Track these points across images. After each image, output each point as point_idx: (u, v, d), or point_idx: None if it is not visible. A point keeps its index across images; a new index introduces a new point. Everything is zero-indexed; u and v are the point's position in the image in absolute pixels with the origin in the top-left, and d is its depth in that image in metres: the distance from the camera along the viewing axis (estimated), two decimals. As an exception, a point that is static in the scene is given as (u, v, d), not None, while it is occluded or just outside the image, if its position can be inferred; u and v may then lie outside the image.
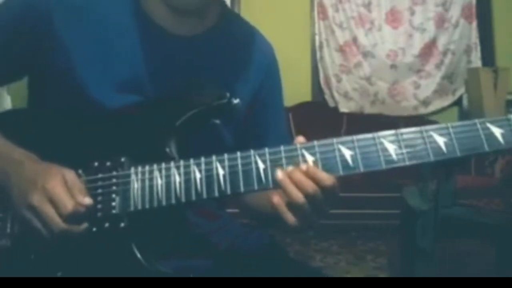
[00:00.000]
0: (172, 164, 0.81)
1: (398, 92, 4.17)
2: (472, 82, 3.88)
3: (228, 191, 0.77)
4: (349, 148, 0.76)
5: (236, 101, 0.85)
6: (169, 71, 0.91)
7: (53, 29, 0.88)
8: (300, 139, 0.78)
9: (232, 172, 0.78)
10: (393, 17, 4.18)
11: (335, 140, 0.77)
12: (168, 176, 0.80)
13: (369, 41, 4.16)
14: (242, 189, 0.77)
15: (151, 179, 0.81)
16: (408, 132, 0.75)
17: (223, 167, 0.78)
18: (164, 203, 0.80)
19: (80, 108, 0.87)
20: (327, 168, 0.75)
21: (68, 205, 0.77)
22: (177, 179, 0.80)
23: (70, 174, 0.80)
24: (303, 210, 0.75)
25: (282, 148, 0.78)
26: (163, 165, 0.81)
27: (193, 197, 0.78)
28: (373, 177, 2.81)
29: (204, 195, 0.78)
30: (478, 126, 0.74)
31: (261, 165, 0.77)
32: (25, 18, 0.89)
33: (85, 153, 0.84)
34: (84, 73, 0.88)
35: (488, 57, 4.14)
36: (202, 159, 0.80)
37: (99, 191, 0.82)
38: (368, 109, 4.18)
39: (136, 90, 0.89)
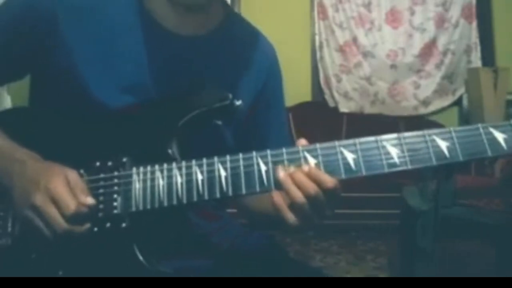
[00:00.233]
0: (174, 165, 0.81)
1: (398, 92, 4.17)
2: (472, 82, 3.88)
3: (230, 192, 0.78)
4: (352, 152, 0.76)
5: (238, 102, 0.85)
6: (172, 71, 0.91)
7: (55, 29, 0.88)
8: (302, 141, 0.78)
9: (234, 174, 0.78)
10: (393, 17, 4.18)
11: (337, 143, 0.77)
12: (170, 177, 0.80)
13: (369, 41, 4.16)
14: (244, 191, 0.77)
15: (152, 180, 0.81)
16: (410, 136, 0.76)
17: (225, 169, 0.78)
18: (165, 203, 0.80)
19: (82, 108, 0.87)
20: (329, 171, 0.76)
21: (71, 205, 0.77)
22: (179, 180, 0.80)
23: (72, 174, 0.80)
24: (304, 210, 0.75)
25: (284, 150, 0.78)
26: (165, 165, 0.81)
27: (195, 198, 0.78)
28: (373, 177, 2.81)
29: (206, 197, 0.78)
30: (481, 130, 0.74)
31: (263, 167, 0.77)
32: (27, 18, 0.89)
33: (87, 152, 0.85)
34: (86, 73, 0.88)
35: (488, 57, 4.14)
36: (204, 160, 0.80)
37: (101, 191, 0.82)
38: (368, 109, 4.18)
39: (139, 90, 0.89)
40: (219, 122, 0.86)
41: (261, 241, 1.02)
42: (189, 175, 0.79)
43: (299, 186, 0.74)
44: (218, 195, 0.78)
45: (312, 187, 0.74)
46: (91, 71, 0.88)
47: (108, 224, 0.81)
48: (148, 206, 0.80)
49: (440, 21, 4.14)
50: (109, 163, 0.83)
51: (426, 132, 0.75)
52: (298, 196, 0.74)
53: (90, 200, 0.79)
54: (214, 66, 0.95)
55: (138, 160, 0.83)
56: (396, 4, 4.17)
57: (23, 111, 0.99)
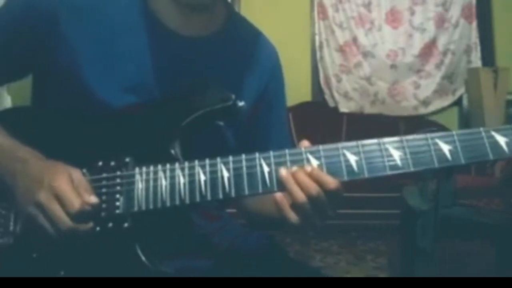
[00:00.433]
0: (176, 165, 0.81)
1: (398, 92, 4.17)
2: (472, 82, 3.88)
3: (233, 193, 0.78)
4: (354, 154, 0.76)
5: (241, 103, 0.85)
6: (175, 72, 0.91)
7: (57, 29, 0.88)
8: (305, 143, 0.79)
9: (237, 175, 0.78)
10: (393, 17, 4.18)
11: (340, 145, 0.77)
12: (172, 177, 0.80)
13: (369, 41, 4.16)
14: (246, 192, 0.77)
15: (155, 180, 0.81)
16: (413, 139, 0.76)
17: (228, 170, 0.78)
18: (168, 204, 0.80)
19: (85, 108, 0.87)
20: (331, 173, 0.76)
21: (75, 203, 0.78)
22: (182, 180, 0.80)
23: (76, 173, 0.81)
24: (306, 210, 0.75)
25: (287, 151, 0.78)
26: (168, 166, 0.81)
27: (197, 199, 0.79)
28: (374, 178, 2.81)
29: (209, 197, 0.78)
30: (483, 134, 0.74)
31: (266, 168, 0.77)
32: (27, 18, 0.89)
33: (90, 152, 0.85)
34: (90, 73, 0.88)
35: (488, 57, 4.14)
36: (207, 161, 0.80)
37: (103, 190, 0.82)
38: (368, 109, 4.18)
39: (142, 90, 0.89)
40: (221, 123, 0.87)
41: (261, 241, 1.02)
42: (191, 175, 0.80)
43: (301, 186, 0.75)
44: (220, 196, 0.78)
45: (314, 188, 0.74)
46: (94, 70, 0.88)
47: (110, 224, 0.81)
48: (151, 206, 0.81)
49: (440, 21, 4.14)
50: (112, 163, 0.83)
51: (428, 135, 0.76)
52: (300, 196, 0.75)
53: (93, 199, 0.79)
54: (217, 66, 0.95)
55: (140, 160, 0.83)
56: (396, 4, 4.18)
57: (25, 110, 0.99)
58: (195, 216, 0.95)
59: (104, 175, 0.83)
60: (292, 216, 0.76)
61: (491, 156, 0.74)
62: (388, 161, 0.75)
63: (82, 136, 0.87)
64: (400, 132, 3.73)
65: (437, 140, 0.75)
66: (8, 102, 2.89)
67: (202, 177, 0.79)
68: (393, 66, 4.15)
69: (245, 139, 0.97)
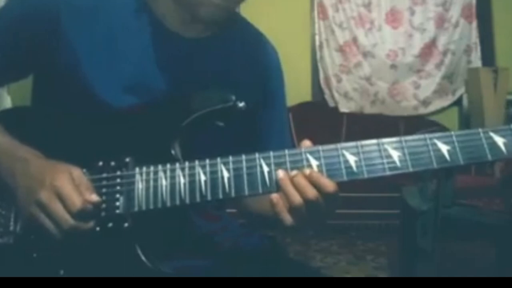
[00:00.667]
0: (177, 165, 0.81)
1: (398, 92, 4.17)
2: (472, 82, 3.88)
3: (233, 194, 0.78)
4: (353, 154, 0.76)
5: (241, 104, 0.85)
6: (176, 72, 0.91)
7: (58, 29, 0.88)
8: (307, 143, 0.78)
9: (237, 175, 0.78)
10: (393, 17, 4.18)
11: (339, 145, 0.77)
12: (172, 177, 0.80)
13: (369, 41, 4.16)
14: (246, 192, 0.78)
15: (155, 180, 0.81)
16: (412, 139, 0.76)
17: (228, 170, 0.79)
18: (168, 204, 0.80)
19: (86, 108, 0.87)
20: (331, 174, 0.76)
21: (77, 202, 0.78)
22: (182, 180, 0.80)
23: (76, 171, 0.81)
24: (301, 213, 0.75)
25: (286, 151, 0.78)
26: (168, 166, 0.81)
27: (198, 199, 0.79)
28: (374, 178, 2.81)
29: (209, 197, 0.78)
30: (481, 135, 0.74)
31: (266, 169, 0.78)
32: (29, 18, 0.89)
33: (90, 152, 0.85)
34: (90, 73, 0.88)
35: (488, 57, 4.14)
36: (207, 161, 0.80)
37: (103, 190, 0.82)
38: (368, 109, 4.18)
39: (143, 90, 0.89)
40: (221, 124, 0.87)
41: (262, 241, 1.03)
42: (192, 175, 0.80)
43: (298, 190, 0.75)
44: (220, 196, 0.78)
45: (311, 192, 0.74)
46: (95, 71, 0.88)
47: (110, 224, 0.81)
48: (151, 206, 0.81)
49: (440, 21, 4.14)
50: (112, 163, 0.84)
51: (427, 135, 0.76)
52: (297, 199, 0.74)
53: (95, 197, 0.80)
54: (218, 67, 0.95)
55: (141, 160, 0.83)
56: (396, 4, 4.17)
57: (25, 110, 0.99)
58: (195, 216, 0.96)
59: (104, 175, 0.83)
60: (287, 219, 0.76)
61: (489, 157, 0.74)
62: (387, 162, 0.76)
63: (82, 136, 0.87)
64: (400, 132, 3.73)
65: (436, 141, 0.75)
66: (8, 102, 2.89)
67: (202, 177, 0.79)
68: (393, 66, 4.15)
69: (246, 140, 0.97)
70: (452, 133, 0.75)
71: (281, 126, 1.07)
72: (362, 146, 0.77)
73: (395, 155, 0.76)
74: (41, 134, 0.89)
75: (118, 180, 0.82)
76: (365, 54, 4.16)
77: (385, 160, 0.76)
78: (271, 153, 0.78)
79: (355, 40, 4.17)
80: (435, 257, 2.10)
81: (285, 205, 0.76)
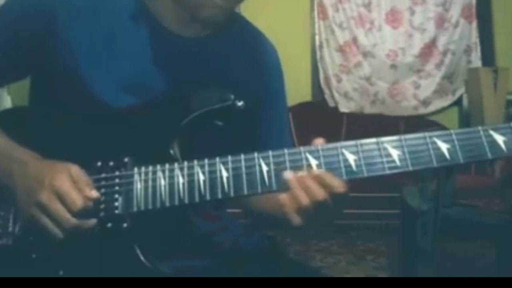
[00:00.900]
0: (175, 165, 0.81)
1: (398, 92, 4.16)
2: (472, 82, 3.88)
3: (232, 193, 0.78)
4: (353, 153, 0.76)
5: (240, 103, 0.85)
6: (174, 72, 0.91)
7: (56, 29, 0.88)
8: (319, 141, 0.78)
9: (236, 175, 0.78)
10: (393, 17, 4.18)
11: (339, 144, 0.77)
12: (171, 177, 0.80)
13: (369, 41, 4.16)
14: (245, 191, 0.77)
15: (154, 180, 0.81)
16: (412, 138, 0.76)
17: (227, 170, 0.78)
18: (167, 204, 0.80)
19: (84, 108, 0.87)
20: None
21: (78, 200, 0.78)
22: (181, 180, 0.80)
23: (75, 169, 0.81)
24: (310, 213, 0.75)
25: (286, 151, 0.78)
26: (167, 166, 0.81)
27: (197, 199, 0.79)
28: (373, 177, 2.81)
29: (208, 197, 0.78)
30: (481, 133, 0.74)
31: (265, 168, 0.77)
32: (27, 19, 0.89)
33: (89, 152, 0.85)
34: (88, 73, 0.88)
35: (488, 57, 4.13)
36: (206, 161, 0.80)
37: (102, 191, 0.82)
38: (368, 109, 4.17)
39: (141, 90, 0.89)
40: (220, 123, 0.87)
41: (262, 241, 1.02)
42: (191, 175, 0.80)
43: (306, 191, 0.74)
44: (219, 195, 0.78)
45: (319, 193, 0.74)
46: (93, 71, 0.88)
47: (109, 224, 0.81)
48: (150, 206, 0.81)
49: (440, 21, 4.14)
50: (111, 163, 0.84)
51: (427, 134, 0.76)
52: (305, 200, 0.74)
53: (95, 193, 0.80)
54: (216, 67, 0.95)
55: (139, 160, 0.83)
56: (396, 4, 4.17)
57: (23, 110, 0.99)
58: (195, 216, 0.95)
59: (103, 175, 0.83)
60: (296, 220, 0.76)
61: (489, 155, 0.74)
62: (387, 161, 0.75)
63: (81, 136, 0.87)
64: (400, 132, 3.70)
65: (435, 139, 0.75)
66: (8, 102, 2.89)
67: (201, 177, 0.79)
68: (393, 66, 4.15)
69: (245, 139, 0.97)
70: (452, 131, 0.75)
71: (281, 126, 1.06)
72: (361, 145, 0.76)
73: (395, 154, 0.75)
74: (39, 134, 0.89)
75: (117, 180, 0.82)
76: (365, 54, 4.16)
77: (384, 159, 0.75)
78: (270, 153, 0.78)
79: (355, 40, 4.17)
80: (435, 257, 2.10)
81: (293, 205, 0.75)
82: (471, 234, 2.32)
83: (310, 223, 0.76)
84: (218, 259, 0.94)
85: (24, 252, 0.84)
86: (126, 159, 0.83)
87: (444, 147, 0.74)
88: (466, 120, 3.99)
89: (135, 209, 0.81)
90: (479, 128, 0.75)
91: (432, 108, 4.17)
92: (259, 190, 0.77)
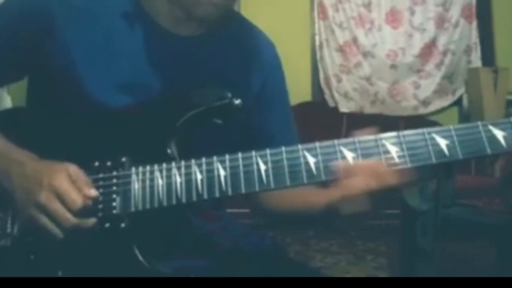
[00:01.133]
0: (173, 164, 0.81)
1: (398, 92, 4.16)
2: (472, 82, 3.87)
3: (229, 192, 0.78)
4: (351, 150, 0.76)
5: (237, 101, 0.84)
6: (171, 71, 0.91)
7: (54, 29, 0.88)
8: (361, 132, 0.77)
9: (233, 173, 0.78)
10: (393, 17, 4.18)
11: (336, 142, 0.77)
12: (169, 177, 0.80)
13: (369, 41, 4.16)
14: (243, 190, 0.77)
15: (152, 180, 0.81)
16: (410, 134, 0.75)
17: (224, 168, 0.78)
18: (165, 203, 0.80)
19: (81, 108, 0.87)
20: (329, 170, 0.75)
21: (77, 199, 0.78)
22: (178, 179, 0.80)
23: (73, 168, 0.81)
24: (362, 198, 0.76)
25: (283, 149, 0.77)
26: (164, 165, 0.81)
27: (194, 198, 0.78)
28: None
29: (205, 196, 0.78)
30: (481, 128, 0.73)
31: (262, 166, 0.77)
32: (24, 20, 0.89)
33: (86, 153, 0.84)
34: (85, 73, 0.88)
35: (488, 57, 4.13)
36: (203, 160, 0.80)
37: (100, 191, 0.82)
38: (368, 109, 4.17)
39: (138, 90, 0.89)
40: (219, 121, 0.86)
41: (262, 241, 1.02)
42: (188, 174, 0.79)
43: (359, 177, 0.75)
44: (217, 194, 0.78)
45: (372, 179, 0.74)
46: (89, 71, 0.88)
47: (107, 224, 0.81)
48: (148, 206, 0.80)
49: (440, 21, 4.14)
50: (108, 163, 0.83)
51: (425, 130, 0.75)
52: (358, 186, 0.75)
53: (94, 192, 0.80)
54: (213, 65, 0.95)
55: (137, 160, 0.83)
56: (396, 4, 4.17)
57: (21, 111, 0.99)
58: (194, 216, 0.95)
59: (101, 175, 0.83)
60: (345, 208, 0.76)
61: (488, 151, 0.73)
62: (386, 157, 0.75)
63: (78, 136, 0.86)
64: (400, 132, 3.72)
65: (434, 135, 0.74)
66: (8, 102, 2.89)
67: (199, 176, 0.79)
68: (393, 66, 4.15)
69: (248, 138, 0.96)
70: (451, 127, 0.74)
71: (285, 121, 1.05)
72: (359, 142, 0.76)
73: (393, 150, 0.75)
74: (37, 135, 0.89)
75: (115, 181, 0.82)
76: (365, 54, 4.16)
77: (383, 156, 0.75)
78: (268, 151, 0.78)
79: (355, 40, 4.17)
80: (435, 257, 2.10)
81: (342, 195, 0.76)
82: (471, 234, 2.32)
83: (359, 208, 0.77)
84: (218, 259, 0.93)
85: (23, 253, 0.83)
86: (123, 159, 0.83)
87: (443, 143, 0.74)
88: (466, 120, 3.98)
89: (133, 209, 0.81)
90: (479, 123, 0.74)
91: (432, 108, 4.17)
92: (257, 188, 0.77)
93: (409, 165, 0.74)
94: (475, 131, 0.74)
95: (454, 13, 4.13)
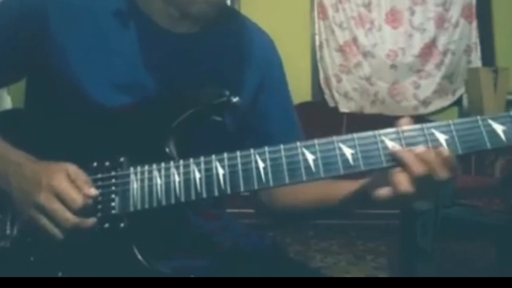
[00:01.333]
0: (171, 164, 0.81)
1: (398, 92, 4.16)
2: (472, 82, 3.87)
3: (228, 190, 0.77)
4: (350, 147, 0.75)
5: (235, 99, 0.84)
6: (168, 69, 0.91)
7: (49, 30, 0.88)
8: (405, 121, 0.76)
9: (232, 172, 0.78)
10: (393, 17, 4.18)
11: (335, 138, 0.76)
12: (167, 176, 0.80)
13: (369, 41, 4.16)
14: (242, 188, 0.77)
15: (150, 179, 0.81)
16: (409, 129, 0.75)
17: (223, 167, 0.78)
18: (163, 203, 0.79)
19: (78, 108, 0.87)
20: (327, 167, 0.75)
21: (77, 199, 0.78)
22: (177, 179, 0.79)
23: (72, 167, 0.81)
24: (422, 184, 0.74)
25: (281, 146, 0.77)
26: (163, 165, 0.81)
27: (193, 197, 0.78)
28: (371, 170, 2.80)
29: (204, 195, 0.78)
30: (480, 122, 0.73)
31: (261, 164, 0.77)
32: (21, 20, 0.89)
33: (85, 153, 0.84)
34: (82, 73, 0.88)
35: (488, 57, 4.13)
36: (202, 159, 0.79)
37: (99, 191, 0.82)
38: (368, 109, 4.17)
39: (135, 89, 0.89)
40: (219, 119, 0.86)
41: (262, 241, 1.02)
42: (187, 173, 0.79)
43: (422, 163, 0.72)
44: (216, 193, 0.78)
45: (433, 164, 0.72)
46: (86, 71, 0.88)
47: (106, 225, 0.81)
48: (146, 206, 0.80)
49: (440, 21, 4.14)
50: (107, 163, 0.83)
51: (424, 125, 0.74)
52: (419, 171, 0.72)
53: (94, 191, 0.79)
54: (210, 62, 0.94)
55: (135, 159, 0.83)
56: (396, 4, 4.17)
57: (18, 112, 0.99)
58: (194, 215, 0.95)
59: (99, 175, 0.83)
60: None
61: (488, 145, 0.72)
62: (385, 153, 0.74)
63: (76, 137, 0.86)
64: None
65: (433, 130, 0.74)
66: (8, 103, 2.89)
67: (197, 175, 0.79)
68: (393, 66, 4.15)
69: (249, 133, 0.96)
70: (450, 122, 0.74)
71: (286, 115, 1.03)
72: (358, 138, 0.76)
73: (392, 146, 0.74)
74: (35, 136, 0.89)
75: (113, 181, 0.82)
76: (365, 54, 4.16)
77: (382, 152, 0.74)
78: (266, 149, 0.77)
79: (355, 40, 4.16)
80: (435, 257, 2.10)
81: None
82: (471, 234, 2.32)
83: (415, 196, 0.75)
84: (218, 259, 0.93)
85: (22, 254, 0.83)
86: (121, 159, 0.83)
87: (442, 138, 0.73)
88: (466, 119, 3.98)
89: (131, 209, 0.81)
90: (478, 117, 0.73)
91: (432, 108, 4.17)
92: (256, 186, 0.77)
93: None
94: (474, 125, 0.73)
95: (454, 13, 4.13)
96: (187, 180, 0.79)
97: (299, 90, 4.03)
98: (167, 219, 0.85)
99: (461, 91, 4.14)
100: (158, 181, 0.80)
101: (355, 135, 0.76)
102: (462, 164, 3.18)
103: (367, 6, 4.18)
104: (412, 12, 4.16)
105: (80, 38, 0.89)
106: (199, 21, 0.92)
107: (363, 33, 4.16)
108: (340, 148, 0.75)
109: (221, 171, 0.78)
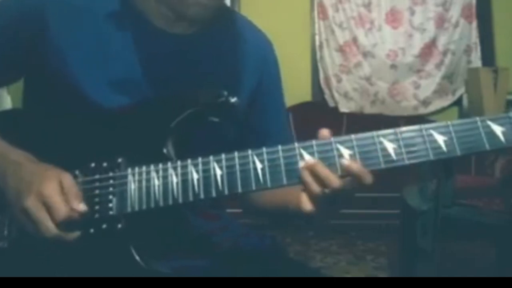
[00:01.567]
0: (169, 164, 0.80)
1: (398, 92, 4.16)
2: (472, 82, 3.87)
3: (226, 191, 0.77)
4: (348, 148, 0.75)
5: (233, 99, 0.84)
6: (165, 70, 0.91)
7: (48, 30, 0.88)
8: (324, 132, 0.77)
9: (230, 173, 0.77)
10: (393, 17, 4.18)
11: (333, 139, 0.76)
12: (165, 177, 0.80)
13: (369, 41, 4.16)
14: (240, 189, 0.77)
15: (148, 180, 0.81)
16: (407, 130, 0.74)
17: (221, 167, 0.78)
18: (161, 203, 0.79)
19: (76, 109, 0.87)
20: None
21: (62, 210, 0.77)
22: (174, 179, 0.79)
23: (66, 179, 0.80)
24: (320, 201, 0.75)
25: (279, 147, 0.77)
26: (160, 165, 0.81)
27: (191, 198, 0.78)
28: (373, 176, 2.80)
29: (202, 196, 0.78)
30: (479, 124, 0.72)
31: (259, 165, 0.77)
32: (20, 20, 0.89)
33: (82, 153, 0.84)
34: (80, 74, 0.88)
35: (488, 57, 4.13)
36: (200, 160, 0.79)
37: (96, 192, 0.82)
38: (368, 109, 4.17)
39: (133, 90, 0.89)
40: (216, 119, 0.86)
41: (262, 241, 1.02)
42: (184, 174, 0.79)
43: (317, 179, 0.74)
44: (214, 193, 0.77)
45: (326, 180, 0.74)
46: (84, 72, 0.88)
47: (104, 225, 0.80)
48: (144, 207, 0.80)
49: (440, 21, 4.14)
50: (104, 164, 0.83)
51: (423, 126, 0.74)
52: (315, 188, 0.74)
53: (82, 207, 0.78)
54: (207, 63, 0.94)
55: (133, 160, 0.82)
56: (396, 4, 4.17)
57: (18, 113, 0.98)
58: (193, 215, 0.95)
59: (97, 176, 0.83)
60: (307, 206, 0.76)
61: (487, 147, 0.72)
62: (383, 155, 0.74)
63: (74, 137, 0.86)
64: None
65: (432, 131, 0.73)
66: (8, 103, 2.89)
67: (195, 176, 0.78)
68: (393, 66, 4.15)
69: (243, 135, 0.96)
70: (449, 123, 0.73)
71: (279, 118, 1.05)
72: (356, 139, 0.75)
73: (391, 147, 0.74)
74: (33, 136, 0.89)
75: (111, 181, 0.82)
76: (365, 54, 4.16)
77: (380, 153, 0.74)
78: (264, 150, 0.77)
79: (355, 40, 4.16)
80: (435, 257, 2.10)
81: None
82: (471, 234, 2.31)
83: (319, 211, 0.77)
84: (218, 259, 0.93)
85: (20, 255, 0.83)
86: (119, 160, 0.83)
87: (441, 139, 0.73)
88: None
89: (129, 209, 0.80)
90: (477, 119, 0.73)
91: (432, 108, 4.17)
92: (254, 187, 0.76)
93: (406, 162, 0.73)
94: (473, 126, 0.72)
95: (454, 13, 4.13)
96: (184, 181, 0.79)
97: (299, 90, 4.05)
98: (166, 219, 0.85)
99: (461, 91, 4.14)
100: (156, 182, 0.80)
101: (353, 136, 0.76)
102: (462, 164, 3.18)
103: (367, 6, 4.18)
104: (412, 12, 4.16)
105: (79, 38, 0.89)
106: (196, 23, 0.92)
107: (363, 33, 4.17)
108: (338, 149, 0.75)
109: (219, 172, 0.78)
